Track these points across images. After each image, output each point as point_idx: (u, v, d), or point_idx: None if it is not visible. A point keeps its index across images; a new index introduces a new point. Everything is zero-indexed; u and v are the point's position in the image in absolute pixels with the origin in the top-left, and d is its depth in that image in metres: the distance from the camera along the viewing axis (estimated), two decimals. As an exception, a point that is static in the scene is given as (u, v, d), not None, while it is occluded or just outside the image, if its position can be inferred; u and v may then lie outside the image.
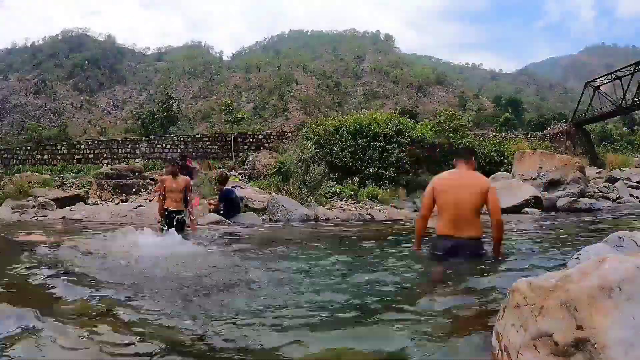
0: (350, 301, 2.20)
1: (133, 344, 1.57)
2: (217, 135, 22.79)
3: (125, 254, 3.51)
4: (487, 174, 12.85)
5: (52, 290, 2.38)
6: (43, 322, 1.74)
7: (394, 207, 10.70)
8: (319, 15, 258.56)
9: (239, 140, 21.26)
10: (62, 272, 2.86)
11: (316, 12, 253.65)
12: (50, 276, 2.70)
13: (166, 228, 5.39)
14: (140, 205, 11.11)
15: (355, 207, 9.98)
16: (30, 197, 11.59)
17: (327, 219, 8.28)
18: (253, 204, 9.09)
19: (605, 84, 27.68)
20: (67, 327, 1.70)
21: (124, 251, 3.67)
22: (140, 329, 1.73)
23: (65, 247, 3.95)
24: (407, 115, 22.26)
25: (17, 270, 2.96)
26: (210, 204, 8.32)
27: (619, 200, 11.28)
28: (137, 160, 19.60)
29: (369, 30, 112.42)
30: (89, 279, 2.68)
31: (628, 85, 25.79)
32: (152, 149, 20.89)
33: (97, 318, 1.88)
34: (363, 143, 13.78)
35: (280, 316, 1.92)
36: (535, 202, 9.39)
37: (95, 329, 1.69)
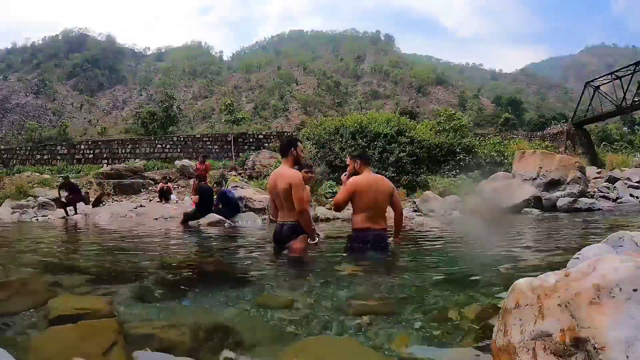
0: (345, 300, 2.19)
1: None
2: (217, 135, 22.84)
3: None
4: (487, 174, 12.89)
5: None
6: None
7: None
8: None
9: (239, 140, 21.29)
10: None
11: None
12: None
13: None
14: (141, 205, 11.12)
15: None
16: (30, 197, 11.59)
17: (328, 219, 8.27)
18: (253, 204, 9.09)
19: (605, 84, 27.62)
20: None
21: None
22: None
23: None
24: (407, 116, 22.25)
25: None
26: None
27: (619, 200, 11.25)
28: (137, 160, 19.61)
29: (369, 30, 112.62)
30: None
31: (628, 85, 25.77)
32: (152, 149, 20.91)
33: None
34: (363, 143, 13.78)
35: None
36: (535, 202, 9.37)
37: None
